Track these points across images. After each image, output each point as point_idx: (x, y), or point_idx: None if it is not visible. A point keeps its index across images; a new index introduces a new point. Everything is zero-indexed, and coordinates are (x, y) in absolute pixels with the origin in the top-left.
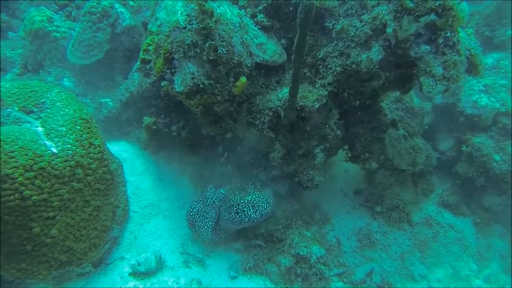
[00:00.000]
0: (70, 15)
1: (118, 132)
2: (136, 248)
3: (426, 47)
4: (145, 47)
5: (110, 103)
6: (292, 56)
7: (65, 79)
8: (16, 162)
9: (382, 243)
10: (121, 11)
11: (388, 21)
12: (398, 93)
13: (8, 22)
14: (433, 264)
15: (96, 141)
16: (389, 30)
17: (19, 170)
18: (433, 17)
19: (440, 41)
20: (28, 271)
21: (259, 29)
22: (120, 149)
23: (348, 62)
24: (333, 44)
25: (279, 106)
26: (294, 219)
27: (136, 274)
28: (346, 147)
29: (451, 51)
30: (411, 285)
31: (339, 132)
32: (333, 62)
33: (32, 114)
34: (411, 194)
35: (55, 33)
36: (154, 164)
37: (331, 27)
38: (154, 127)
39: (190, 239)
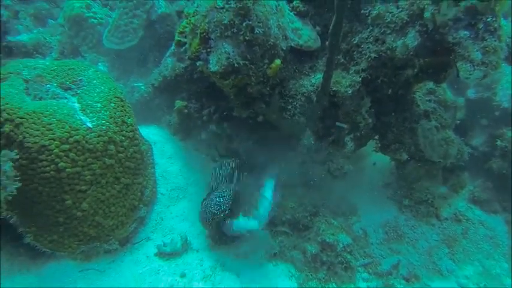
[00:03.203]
0: (107, 5)
1: (149, 116)
2: (162, 230)
3: (465, 32)
4: (181, 29)
5: (142, 87)
6: (328, 39)
7: (99, 64)
8: (53, 134)
9: (410, 237)
10: None
11: (426, 6)
12: (431, 85)
13: (48, 10)
14: (461, 260)
15: (129, 120)
16: (427, 14)
17: (55, 142)
18: (473, 0)
19: (481, 26)
20: (59, 243)
21: (294, 14)
22: (151, 132)
23: (383, 48)
24: (368, 30)
25: (312, 91)
26: (321, 208)
27: (161, 254)
28: (376, 137)
29: (491, 36)
30: (438, 280)
31: (370, 120)
32: (368, 48)
33: (70, 91)
34: (441, 188)
35: (92, 20)
36: (183, 149)
37: (367, 14)
38: (186, 111)
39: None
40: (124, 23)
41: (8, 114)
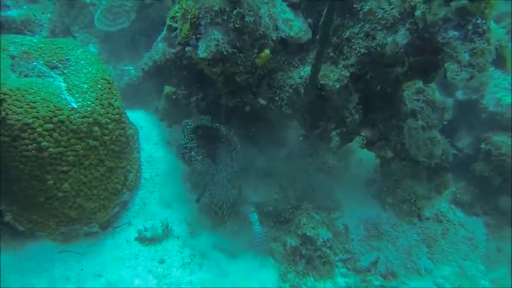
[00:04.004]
0: None
1: (137, 101)
2: (145, 215)
3: (454, 32)
4: (172, 14)
5: (132, 71)
6: (319, 32)
7: (90, 45)
8: (37, 112)
9: (390, 235)
10: None
11: (417, 4)
12: (420, 85)
13: None
14: (440, 260)
15: (116, 102)
16: (418, 13)
17: (39, 121)
18: (464, 1)
19: (470, 27)
20: (39, 223)
21: (287, 5)
22: (138, 117)
23: (373, 44)
24: (359, 26)
25: (300, 84)
26: (304, 201)
27: (142, 240)
28: (362, 133)
29: (480, 38)
30: (416, 279)
31: (357, 116)
32: (358, 43)
33: (56, 70)
34: (424, 188)
35: None
36: (169, 135)
37: (359, 8)
38: (174, 97)
39: (198, 210)
40: (117, 4)
41: None
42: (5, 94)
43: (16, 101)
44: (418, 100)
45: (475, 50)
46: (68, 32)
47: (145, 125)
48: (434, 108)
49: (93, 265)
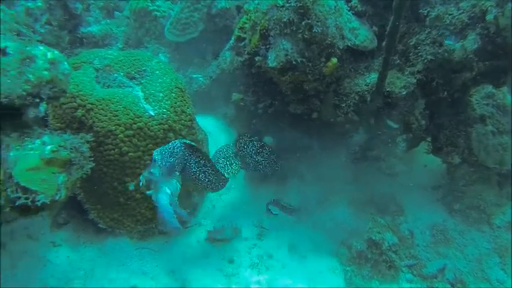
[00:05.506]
0: None
1: (206, 107)
2: (214, 217)
3: None
4: (241, 25)
5: (200, 79)
6: (385, 40)
7: (160, 54)
8: (119, 120)
9: (458, 242)
10: None
11: (489, 8)
12: (490, 89)
13: (116, 3)
14: None
15: (188, 109)
16: (489, 17)
17: (120, 128)
18: None
19: None
20: (119, 222)
21: (352, 13)
22: (207, 123)
23: (440, 51)
24: (426, 32)
25: (366, 91)
26: (368, 206)
27: (211, 240)
28: (428, 138)
29: None
30: None
31: (423, 122)
32: (424, 49)
33: (134, 80)
34: (494, 195)
35: (156, 12)
36: None
37: (425, 14)
38: (242, 104)
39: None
40: (185, 16)
41: (81, 100)
42: (92, 104)
43: (101, 110)
44: (488, 104)
45: None
46: (140, 43)
47: (213, 130)
48: (506, 112)
49: (166, 262)
